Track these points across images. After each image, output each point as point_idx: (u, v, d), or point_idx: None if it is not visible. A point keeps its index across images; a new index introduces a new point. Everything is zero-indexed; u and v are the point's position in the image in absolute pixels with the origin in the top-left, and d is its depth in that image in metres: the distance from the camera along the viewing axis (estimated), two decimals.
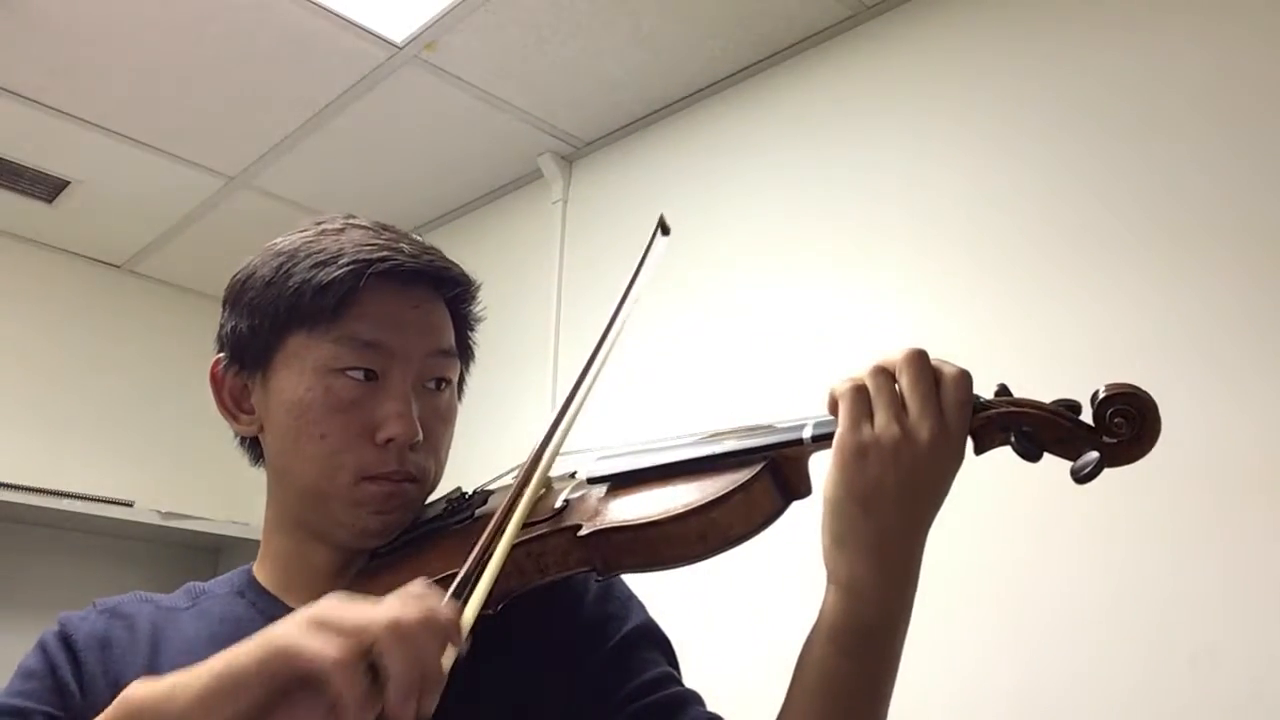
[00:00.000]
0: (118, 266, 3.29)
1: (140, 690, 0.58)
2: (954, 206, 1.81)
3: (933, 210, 1.84)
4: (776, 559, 1.52)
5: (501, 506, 0.71)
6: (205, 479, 3.06)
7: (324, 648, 0.53)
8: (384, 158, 2.64)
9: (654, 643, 0.85)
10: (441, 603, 0.56)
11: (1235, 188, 1.49)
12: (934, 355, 0.69)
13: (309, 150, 2.60)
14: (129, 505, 2.92)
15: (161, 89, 2.39)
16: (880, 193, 1.93)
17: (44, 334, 3.13)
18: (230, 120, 2.50)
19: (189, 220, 2.96)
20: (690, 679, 0.84)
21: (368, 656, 0.53)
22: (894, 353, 0.69)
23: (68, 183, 2.81)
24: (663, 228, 0.87)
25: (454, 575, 0.67)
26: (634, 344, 2.23)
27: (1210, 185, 1.51)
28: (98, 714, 0.60)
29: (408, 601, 0.55)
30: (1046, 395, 0.68)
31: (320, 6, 2.09)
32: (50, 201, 2.90)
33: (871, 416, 0.68)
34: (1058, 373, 1.58)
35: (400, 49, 2.21)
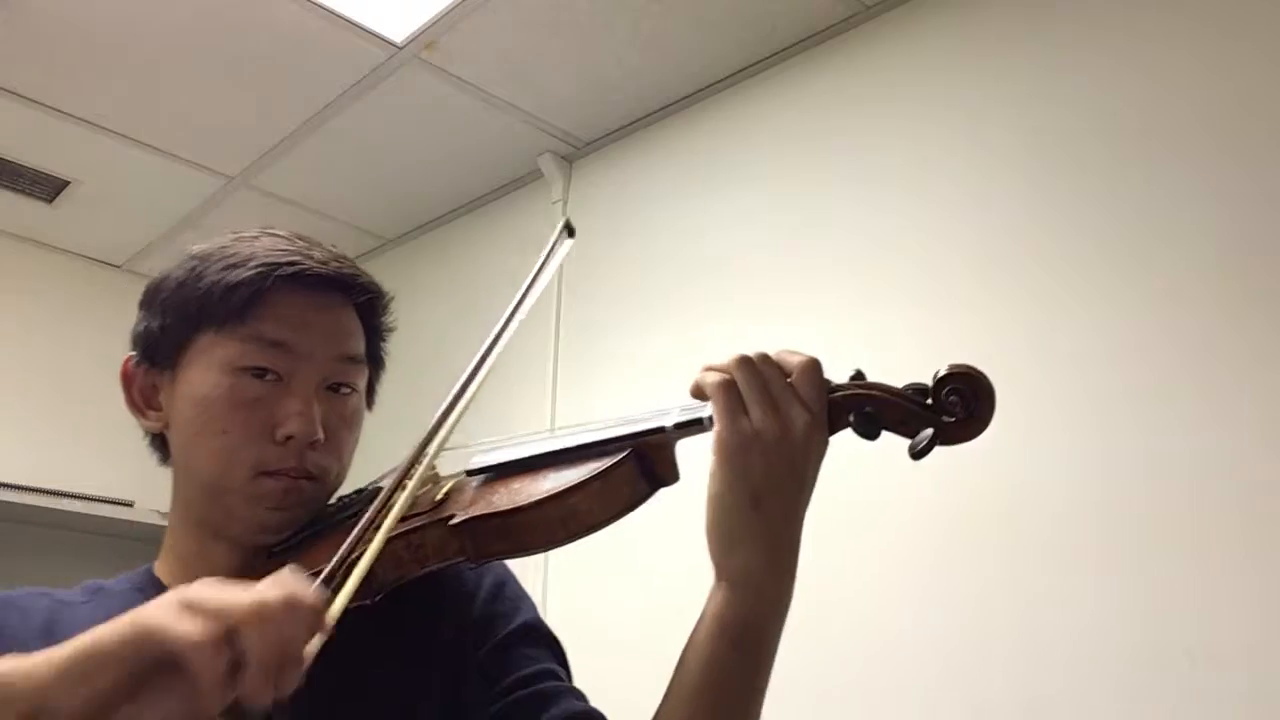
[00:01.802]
0: (118, 266, 3.29)
1: (2, 662, 0.57)
2: (953, 206, 1.81)
3: (933, 210, 1.84)
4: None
5: (377, 500, 0.73)
6: None
7: (186, 628, 0.53)
8: (384, 158, 2.64)
9: (538, 639, 0.86)
10: (308, 588, 0.57)
11: (1241, 198, 1.49)
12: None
13: (309, 150, 2.60)
14: (129, 505, 2.92)
15: (161, 89, 2.39)
16: (880, 193, 1.93)
17: (44, 334, 3.13)
18: (230, 120, 2.50)
19: (189, 220, 2.96)
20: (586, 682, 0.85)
21: (229, 637, 0.54)
22: (746, 350, 0.72)
23: (68, 183, 2.81)
24: (569, 230, 0.89)
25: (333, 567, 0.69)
26: (631, 344, 2.23)
27: (1213, 191, 1.51)
28: None
29: (274, 585, 0.56)
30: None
31: (320, 6, 2.09)
32: (50, 201, 2.90)
33: (745, 410, 0.70)
34: (1060, 383, 1.58)
35: (400, 49, 2.21)
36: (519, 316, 0.84)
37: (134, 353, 0.89)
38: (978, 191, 1.79)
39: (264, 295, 0.82)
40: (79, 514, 2.84)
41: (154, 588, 0.87)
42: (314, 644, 0.58)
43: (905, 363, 1.70)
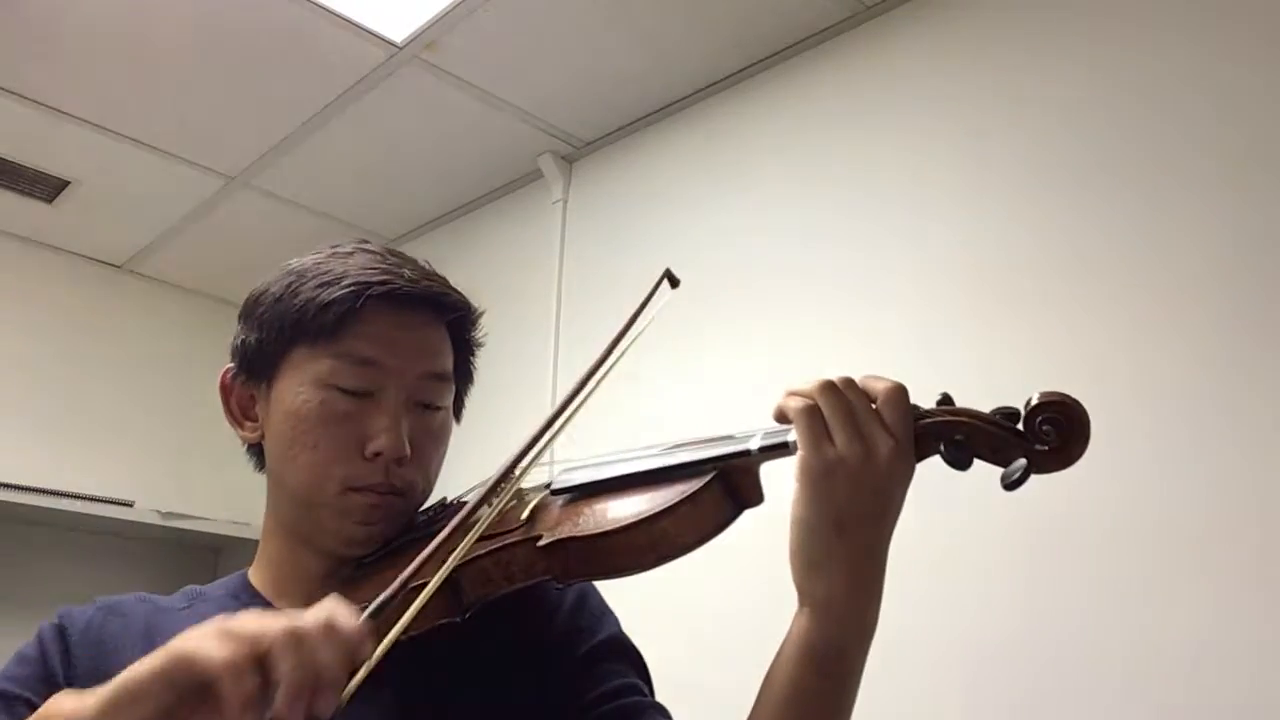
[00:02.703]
0: (118, 266, 3.29)
1: (60, 698, 0.60)
2: (955, 204, 1.81)
3: (934, 209, 1.84)
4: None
5: (457, 518, 0.73)
6: (205, 479, 3.06)
7: (217, 652, 0.55)
8: (384, 158, 2.64)
9: (623, 655, 0.87)
10: (350, 617, 0.58)
11: (1250, 193, 1.49)
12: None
13: (309, 150, 2.60)
14: (129, 505, 2.92)
15: (161, 89, 2.39)
16: (881, 191, 1.93)
17: (44, 334, 3.13)
18: (230, 120, 2.50)
19: (189, 220, 2.96)
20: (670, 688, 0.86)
21: (260, 660, 0.55)
22: (828, 374, 0.71)
23: (68, 183, 2.81)
24: (670, 280, 0.88)
25: (422, 586, 0.69)
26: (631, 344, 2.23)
27: (1222, 187, 1.51)
28: None
29: (313, 612, 0.57)
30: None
31: (320, 6, 2.09)
32: (50, 201, 2.90)
33: (830, 436, 0.69)
34: (1064, 388, 1.58)
35: (400, 49, 2.21)
36: (614, 357, 0.83)
37: (232, 365, 0.91)
38: (979, 190, 1.79)
39: (356, 313, 0.84)
40: (79, 514, 2.84)
41: (248, 593, 0.90)
42: (360, 674, 0.58)
43: (907, 364, 1.70)
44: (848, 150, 2.02)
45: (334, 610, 0.58)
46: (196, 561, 3.18)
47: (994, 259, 1.73)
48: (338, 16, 2.12)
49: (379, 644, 0.63)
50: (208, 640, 0.56)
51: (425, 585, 0.69)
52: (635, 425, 2.12)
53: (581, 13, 2.10)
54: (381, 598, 0.65)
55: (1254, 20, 1.53)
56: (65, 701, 0.59)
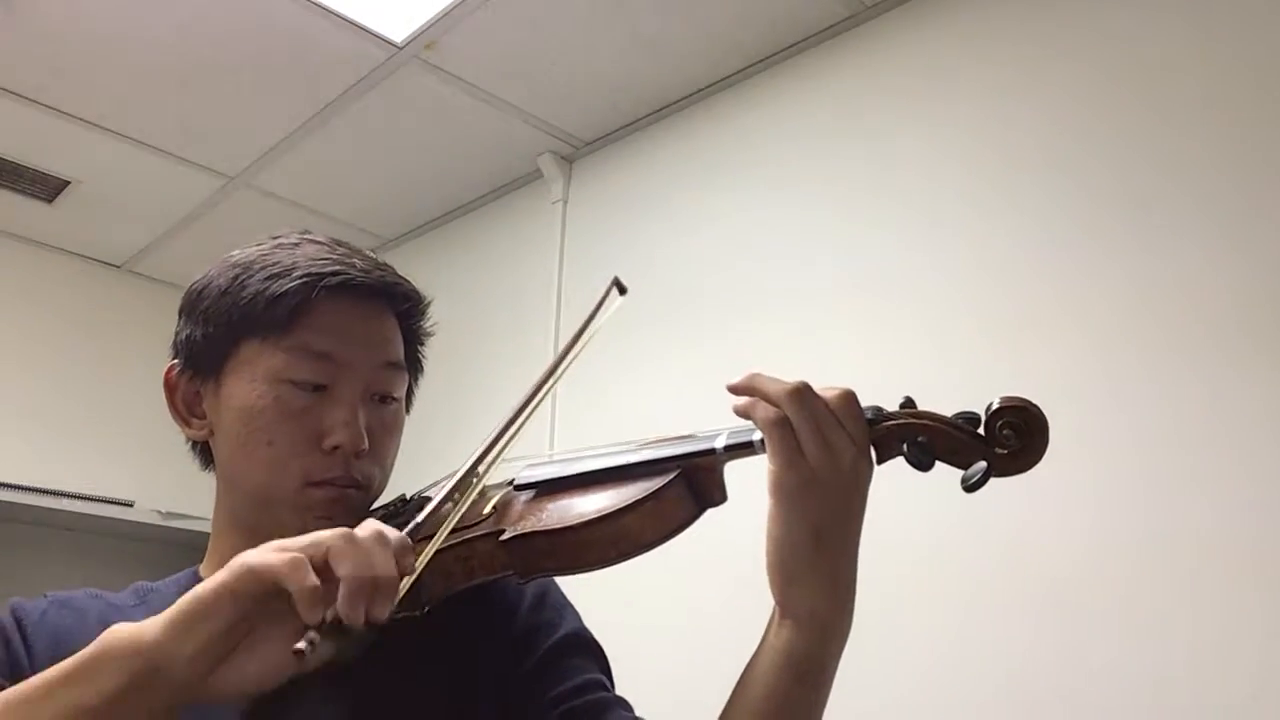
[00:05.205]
0: (118, 266, 3.29)
1: (117, 629, 0.60)
2: (956, 204, 1.81)
3: (935, 209, 1.84)
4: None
5: (437, 510, 0.73)
6: (205, 479, 3.04)
7: (281, 557, 0.58)
8: (384, 158, 2.64)
9: (584, 650, 0.87)
10: (394, 531, 0.62)
11: (1250, 182, 1.49)
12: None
13: (309, 150, 2.60)
14: (129, 505, 2.92)
15: (161, 89, 2.39)
16: (882, 191, 1.93)
17: (44, 334, 3.13)
18: (230, 120, 2.50)
19: (189, 220, 2.96)
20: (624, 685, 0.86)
21: (321, 560, 0.59)
22: (786, 384, 0.70)
23: (68, 183, 2.81)
24: (619, 287, 0.89)
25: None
26: (631, 345, 2.23)
27: (1228, 190, 1.51)
28: None
29: (361, 525, 0.62)
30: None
31: (320, 6, 2.09)
32: (50, 201, 2.90)
33: (801, 448, 0.69)
34: (1066, 395, 1.58)
35: (400, 49, 2.21)
36: (566, 364, 0.84)
37: (176, 360, 0.89)
38: (980, 189, 1.79)
39: (309, 305, 0.82)
40: (79, 514, 2.84)
41: None
42: (404, 584, 0.61)
43: (908, 366, 1.70)
44: (848, 149, 2.02)
45: (379, 525, 0.62)
46: (196, 561, 3.17)
47: (997, 259, 1.73)
48: (338, 16, 2.12)
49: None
50: (267, 552, 0.59)
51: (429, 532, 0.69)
52: (630, 422, 2.12)
53: (581, 13, 2.10)
54: (415, 521, 0.67)
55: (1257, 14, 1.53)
56: (121, 631, 0.60)
